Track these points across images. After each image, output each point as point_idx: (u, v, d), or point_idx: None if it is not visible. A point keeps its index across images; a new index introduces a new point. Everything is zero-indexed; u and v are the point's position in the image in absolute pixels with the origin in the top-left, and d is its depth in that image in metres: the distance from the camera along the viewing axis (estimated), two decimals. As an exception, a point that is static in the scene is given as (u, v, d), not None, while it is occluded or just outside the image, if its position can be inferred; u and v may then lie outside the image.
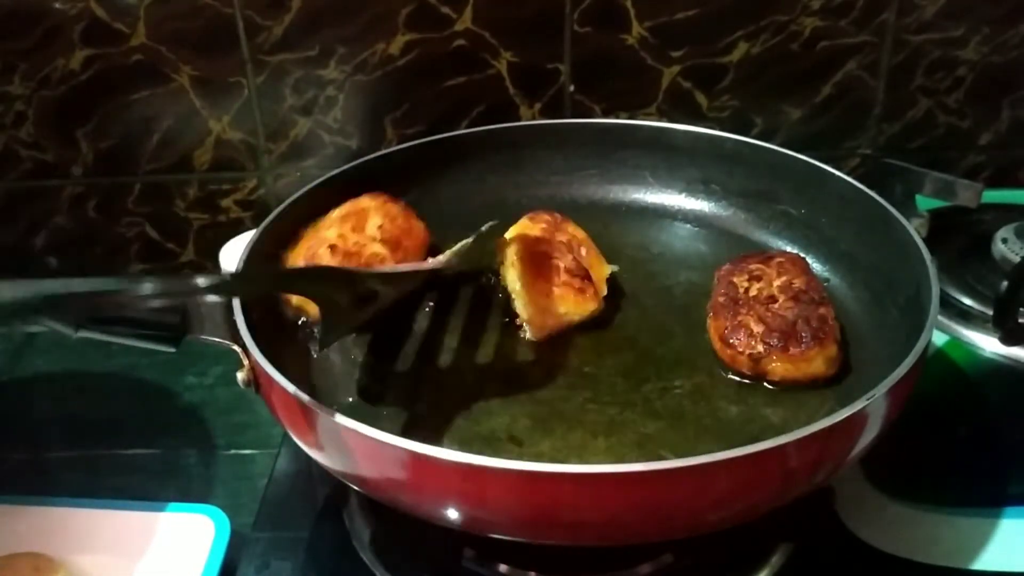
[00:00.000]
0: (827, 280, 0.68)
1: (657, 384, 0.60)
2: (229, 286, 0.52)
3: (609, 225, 0.75)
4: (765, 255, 0.65)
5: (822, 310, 0.59)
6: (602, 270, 0.66)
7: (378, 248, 0.64)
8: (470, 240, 0.64)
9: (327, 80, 0.84)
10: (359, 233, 0.64)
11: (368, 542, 0.59)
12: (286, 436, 0.58)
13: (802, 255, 0.67)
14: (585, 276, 0.63)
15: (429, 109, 0.85)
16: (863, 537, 0.59)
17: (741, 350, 0.59)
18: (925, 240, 0.60)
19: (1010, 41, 0.85)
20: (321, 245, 0.63)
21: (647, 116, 0.86)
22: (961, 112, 0.88)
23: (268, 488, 0.65)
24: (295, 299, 0.61)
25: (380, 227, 0.65)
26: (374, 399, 0.60)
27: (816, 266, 0.69)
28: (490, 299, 0.68)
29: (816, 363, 0.58)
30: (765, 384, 0.59)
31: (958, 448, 0.66)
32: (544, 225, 0.67)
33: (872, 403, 0.48)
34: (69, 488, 0.68)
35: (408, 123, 0.86)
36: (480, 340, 0.64)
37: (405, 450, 0.46)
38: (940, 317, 0.65)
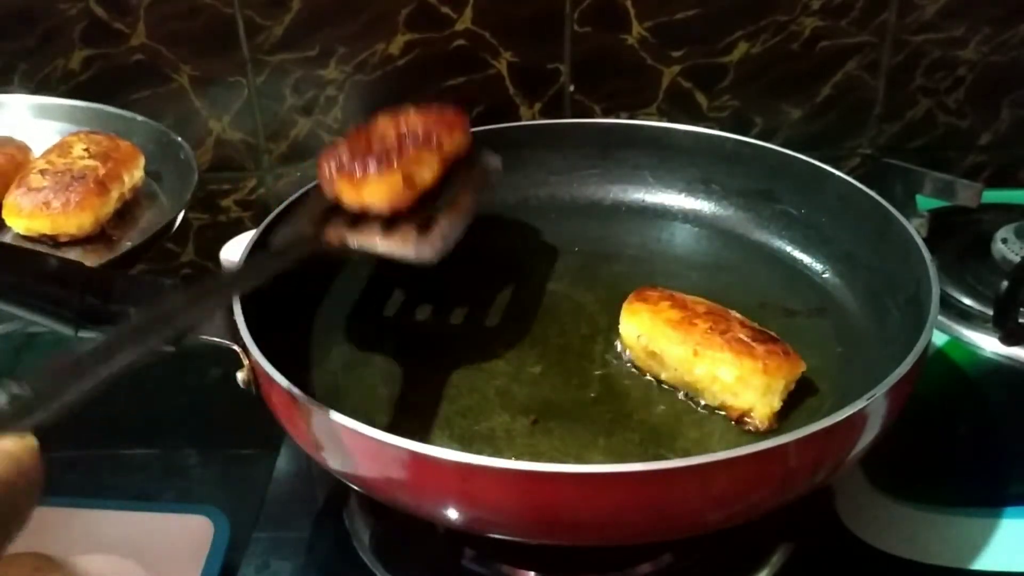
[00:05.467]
0: (827, 280, 0.68)
1: (658, 383, 0.60)
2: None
3: (609, 225, 0.75)
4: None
5: (426, 154, 0.58)
6: None
7: (89, 162, 0.73)
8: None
9: (327, 80, 0.84)
10: (66, 157, 0.74)
11: (368, 542, 0.59)
12: (286, 436, 0.58)
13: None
14: None
15: (429, 109, 0.85)
16: (863, 537, 0.59)
17: (326, 175, 0.58)
18: (925, 240, 0.60)
19: (1010, 41, 0.85)
20: (31, 172, 0.72)
21: (647, 116, 0.86)
22: (961, 112, 0.88)
23: (268, 488, 0.65)
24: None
25: (86, 149, 0.74)
26: (375, 398, 0.60)
27: (816, 266, 0.69)
28: (491, 299, 0.68)
29: (375, 188, 0.56)
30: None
31: (958, 448, 0.66)
32: None
33: (872, 403, 0.48)
34: (69, 488, 0.68)
35: (408, 123, 0.86)
36: (481, 340, 0.64)
37: (405, 450, 0.46)
38: (940, 317, 0.65)
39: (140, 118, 0.80)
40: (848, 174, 0.68)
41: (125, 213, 0.76)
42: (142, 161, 0.77)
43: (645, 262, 0.72)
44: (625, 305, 0.61)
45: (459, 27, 0.82)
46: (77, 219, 0.71)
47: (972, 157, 0.91)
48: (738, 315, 0.59)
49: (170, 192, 0.78)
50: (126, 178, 0.75)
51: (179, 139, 0.78)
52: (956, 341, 0.73)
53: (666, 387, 0.59)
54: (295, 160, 0.88)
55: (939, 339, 0.73)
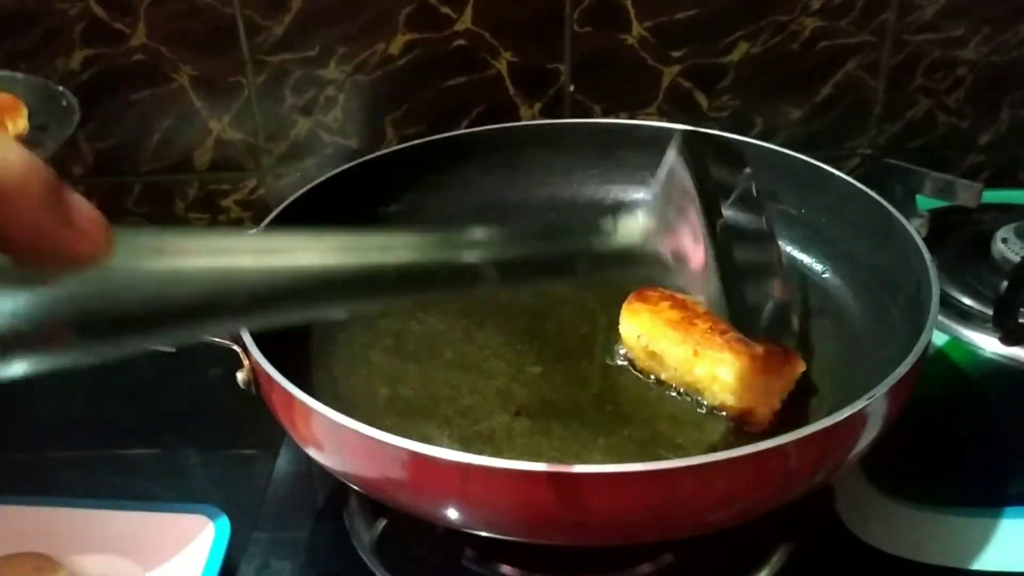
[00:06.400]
0: (827, 280, 0.68)
1: (658, 383, 0.60)
2: None
3: (609, 225, 0.75)
4: None
5: None
6: None
7: None
8: None
9: (327, 80, 0.84)
10: None
11: (368, 542, 0.59)
12: (286, 436, 0.58)
13: None
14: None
15: (429, 109, 0.85)
16: (863, 537, 0.59)
17: None
18: (925, 240, 0.60)
19: (1010, 41, 0.85)
20: None
21: (647, 116, 0.86)
22: (961, 112, 0.88)
23: (268, 488, 0.65)
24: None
25: None
26: (375, 398, 0.60)
27: (816, 266, 0.69)
28: (491, 299, 0.68)
29: None
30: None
31: (958, 448, 0.66)
32: None
33: (872, 403, 0.48)
34: (69, 488, 0.68)
35: (408, 123, 0.86)
36: (481, 340, 0.64)
37: (405, 450, 0.46)
38: (940, 317, 0.65)
39: (20, 76, 0.80)
40: (848, 174, 0.68)
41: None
42: (25, 111, 0.76)
43: (645, 262, 0.72)
44: (625, 305, 0.61)
45: (459, 27, 0.82)
46: None
47: (972, 157, 0.91)
48: None
49: (55, 138, 0.77)
50: (9, 125, 0.74)
51: (60, 88, 0.77)
52: (956, 341, 0.73)
53: (666, 387, 0.59)
54: (295, 160, 0.88)
55: (939, 339, 0.73)
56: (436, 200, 0.75)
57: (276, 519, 0.63)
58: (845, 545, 0.58)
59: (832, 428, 0.47)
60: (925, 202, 0.80)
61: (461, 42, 0.83)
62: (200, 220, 0.90)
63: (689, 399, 0.58)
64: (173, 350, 0.55)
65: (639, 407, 0.58)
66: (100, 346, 0.34)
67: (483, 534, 0.50)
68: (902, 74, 0.86)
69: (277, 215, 0.66)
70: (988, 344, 0.72)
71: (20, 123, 0.75)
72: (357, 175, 0.71)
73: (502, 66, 0.84)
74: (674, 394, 0.59)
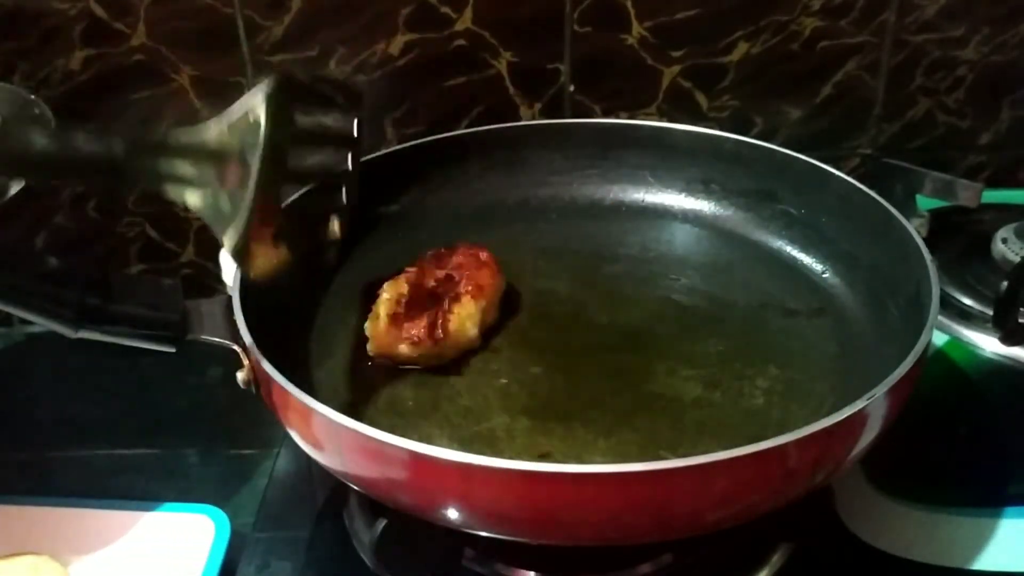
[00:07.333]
0: (827, 280, 0.68)
1: (658, 384, 0.60)
2: None
3: (609, 225, 0.75)
4: None
5: None
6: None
7: None
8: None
9: (327, 80, 0.84)
10: None
11: (368, 542, 0.59)
12: (286, 436, 0.58)
13: None
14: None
15: (429, 109, 0.85)
16: (863, 537, 0.59)
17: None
18: (925, 240, 0.60)
19: (1010, 41, 0.85)
20: None
21: (647, 116, 0.86)
22: (961, 112, 0.88)
23: (268, 488, 0.66)
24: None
25: None
26: (375, 398, 0.60)
27: (816, 266, 0.69)
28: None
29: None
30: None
31: (958, 448, 0.66)
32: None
33: (872, 403, 0.48)
34: (69, 488, 0.68)
35: (408, 123, 0.86)
36: (481, 341, 0.64)
37: (405, 450, 0.46)
38: (940, 317, 0.65)
39: None
40: (848, 174, 0.68)
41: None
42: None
43: (645, 262, 0.72)
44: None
45: (459, 27, 0.82)
46: None
47: (972, 157, 0.91)
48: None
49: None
50: None
51: (32, 96, 0.77)
52: (956, 341, 0.73)
53: (666, 387, 0.59)
54: (295, 160, 0.88)
55: (939, 339, 0.73)
56: (436, 200, 0.75)
57: (276, 519, 0.63)
58: (845, 545, 0.59)
59: (832, 428, 0.47)
60: (925, 202, 0.80)
61: (461, 42, 0.83)
62: (200, 220, 0.90)
63: (689, 399, 0.58)
64: (173, 350, 0.56)
65: (639, 407, 0.58)
66: None
67: (483, 534, 0.50)
68: (902, 74, 0.86)
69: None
70: (988, 344, 0.72)
71: None
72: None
73: (502, 66, 0.84)
74: (675, 394, 0.59)
